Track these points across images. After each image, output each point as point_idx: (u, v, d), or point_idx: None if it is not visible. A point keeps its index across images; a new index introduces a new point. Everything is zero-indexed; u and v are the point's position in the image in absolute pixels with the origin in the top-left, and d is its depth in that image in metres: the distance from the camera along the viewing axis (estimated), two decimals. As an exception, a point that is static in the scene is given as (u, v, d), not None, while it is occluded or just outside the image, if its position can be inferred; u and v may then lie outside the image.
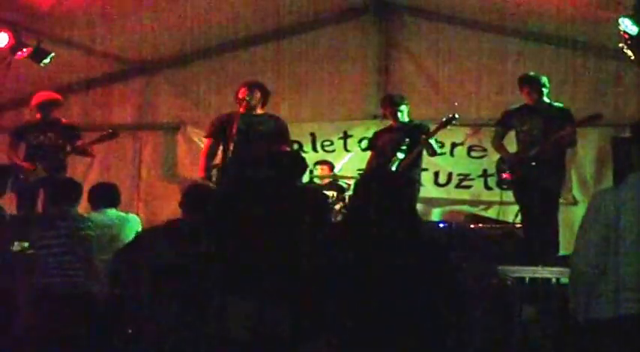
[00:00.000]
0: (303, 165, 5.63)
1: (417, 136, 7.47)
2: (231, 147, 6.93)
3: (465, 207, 8.98)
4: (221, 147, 7.26)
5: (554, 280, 6.52)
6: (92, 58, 9.06)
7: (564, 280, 6.43)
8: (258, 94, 7.21)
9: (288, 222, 4.88)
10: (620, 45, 6.43)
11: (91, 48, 8.85)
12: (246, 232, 4.90)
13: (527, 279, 6.33)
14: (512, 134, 7.29)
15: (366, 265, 3.70)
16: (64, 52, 8.31)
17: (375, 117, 9.15)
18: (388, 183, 3.96)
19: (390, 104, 7.71)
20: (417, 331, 3.68)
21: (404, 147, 7.45)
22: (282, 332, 4.46)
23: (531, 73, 7.13)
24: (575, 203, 8.50)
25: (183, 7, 8.19)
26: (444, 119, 7.49)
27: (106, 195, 6.50)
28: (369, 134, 8.47)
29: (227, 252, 4.93)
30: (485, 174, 8.94)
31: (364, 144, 9.03)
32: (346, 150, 9.33)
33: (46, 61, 7.83)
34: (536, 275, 6.36)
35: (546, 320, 6.09)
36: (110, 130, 7.91)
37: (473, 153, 9.05)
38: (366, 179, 4.19)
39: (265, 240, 4.79)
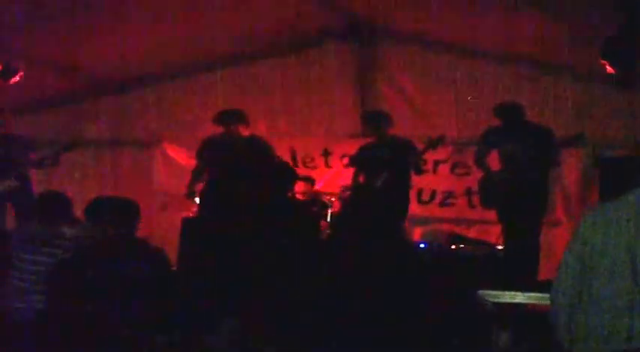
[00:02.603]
0: (293, 175, 5.54)
1: (400, 152, 7.44)
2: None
3: (448, 226, 8.84)
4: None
5: (532, 306, 6.41)
6: (68, 75, 9.04)
7: (542, 306, 6.36)
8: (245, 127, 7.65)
9: (279, 235, 4.79)
10: (603, 62, 6.32)
11: (67, 65, 8.80)
12: (235, 247, 4.82)
13: (505, 304, 6.19)
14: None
15: (351, 284, 3.62)
16: (38, 68, 8.24)
17: (353, 136, 9.12)
18: (375, 202, 3.88)
19: (371, 120, 7.76)
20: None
21: (388, 163, 7.41)
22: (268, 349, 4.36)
23: (503, 104, 7.10)
24: (558, 224, 8.36)
25: (160, 27, 8.10)
26: (431, 140, 7.49)
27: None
28: (351, 151, 8.42)
29: (213, 268, 4.85)
30: (469, 192, 8.83)
31: (345, 160, 8.97)
32: (328, 166, 9.25)
33: (15, 79, 7.70)
34: (515, 301, 6.23)
35: (522, 348, 5.96)
36: (73, 140, 7.92)
37: (456, 171, 8.95)
38: (353, 197, 4.10)
39: (255, 254, 4.71)
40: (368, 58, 9.41)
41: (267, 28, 8.61)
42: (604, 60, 6.06)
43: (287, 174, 5.49)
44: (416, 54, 9.13)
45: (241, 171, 7.39)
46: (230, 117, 7.59)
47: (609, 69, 6.11)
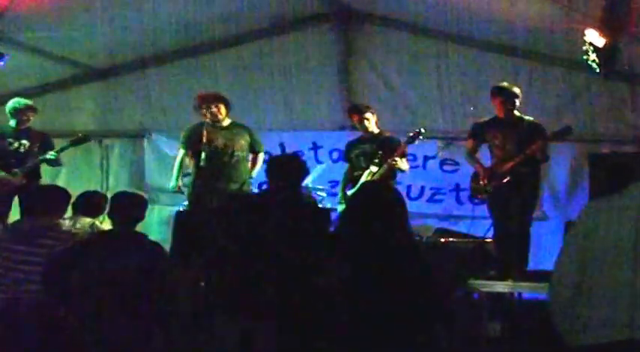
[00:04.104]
0: (306, 170, 5.53)
1: (387, 149, 7.39)
2: (204, 158, 7.18)
3: (436, 221, 8.86)
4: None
5: (521, 295, 6.49)
6: (52, 62, 8.99)
7: (532, 295, 6.44)
8: (222, 107, 7.45)
9: (289, 235, 4.79)
10: (585, 57, 6.37)
11: (51, 52, 8.76)
12: (243, 248, 4.82)
13: (495, 294, 6.26)
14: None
15: (362, 281, 3.64)
16: (22, 55, 8.22)
17: (342, 127, 9.12)
18: (385, 198, 3.91)
19: (356, 113, 7.65)
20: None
21: (376, 160, 7.38)
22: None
23: (505, 84, 7.01)
24: (545, 218, 8.43)
25: (144, 12, 8.06)
26: (411, 134, 7.41)
27: (89, 204, 6.48)
28: (340, 145, 8.43)
29: (222, 268, 4.85)
30: (457, 188, 8.90)
31: (335, 155, 9.03)
32: (317, 161, 9.25)
33: (1, 63, 7.67)
34: (505, 290, 6.31)
35: (513, 336, 6.03)
36: (80, 134, 7.90)
37: (445, 167, 9.00)
38: (360, 194, 4.15)
39: (268, 250, 4.71)
40: (352, 44, 9.27)
41: (251, 11, 8.58)
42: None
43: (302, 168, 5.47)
44: (401, 40, 9.04)
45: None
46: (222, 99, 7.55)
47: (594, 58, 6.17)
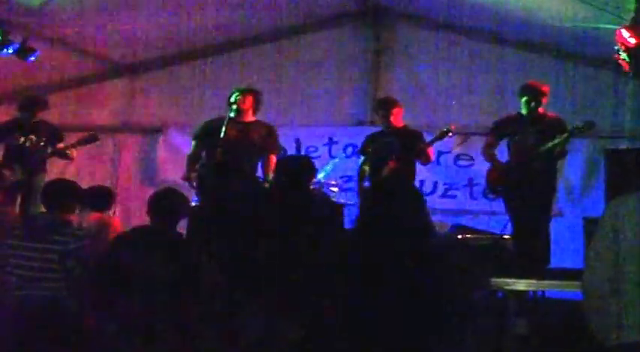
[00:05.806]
0: (313, 170, 5.52)
1: (409, 142, 7.36)
2: (219, 152, 6.94)
3: (450, 217, 8.83)
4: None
5: (544, 293, 6.47)
6: (74, 58, 9.00)
7: (556, 294, 6.43)
8: (250, 99, 7.23)
9: (299, 229, 4.79)
10: (615, 56, 6.36)
11: (74, 47, 8.79)
12: (256, 241, 4.79)
13: (519, 292, 6.23)
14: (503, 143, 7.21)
15: (378, 275, 3.60)
16: (45, 50, 8.14)
17: (361, 123, 9.08)
18: (404, 193, 3.86)
19: (383, 107, 7.64)
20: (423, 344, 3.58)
21: (396, 153, 7.35)
22: (292, 344, 4.33)
23: (534, 82, 7.04)
24: (560, 214, 8.40)
25: (168, 9, 8.09)
26: (440, 132, 7.40)
27: (98, 198, 6.53)
28: (355, 141, 8.41)
29: (235, 262, 4.83)
30: (470, 184, 8.88)
31: (349, 150, 8.99)
32: (331, 156, 9.21)
33: (32, 58, 7.70)
34: (530, 288, 6.28)
35: (538, 334, 6.00)
36: (92, 132, 7.82)
37: (460, 162, 8.99)
38: (378, 188, 4.10)
39: (277, 248, 4.69)
40: (381, 42, 9.35)
41: (279, 8, 8.59)
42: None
43: (308, 169, 5.48)
44: (430, 37, 9.14)
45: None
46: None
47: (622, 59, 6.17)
